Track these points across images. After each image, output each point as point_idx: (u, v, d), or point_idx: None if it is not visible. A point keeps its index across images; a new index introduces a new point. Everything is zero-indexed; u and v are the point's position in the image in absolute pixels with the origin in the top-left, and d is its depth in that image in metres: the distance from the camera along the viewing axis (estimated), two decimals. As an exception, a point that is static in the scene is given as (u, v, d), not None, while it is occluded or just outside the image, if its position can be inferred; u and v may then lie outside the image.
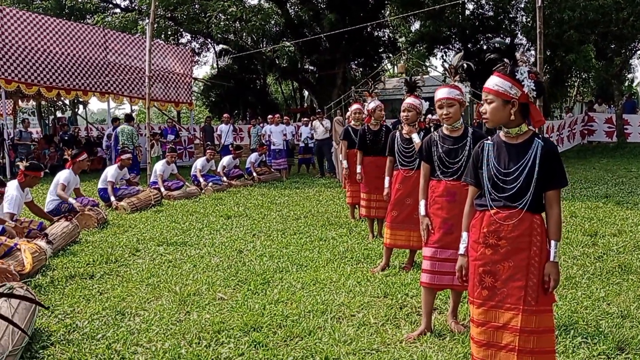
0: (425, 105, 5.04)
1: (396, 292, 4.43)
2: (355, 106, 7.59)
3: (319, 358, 3.20)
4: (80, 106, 28.88)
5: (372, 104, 6.35)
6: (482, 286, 2.58)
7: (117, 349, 3.33)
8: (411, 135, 4.99)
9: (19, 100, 19.94)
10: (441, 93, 3.59)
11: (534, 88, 2.49)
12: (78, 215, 6.87)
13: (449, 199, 3.64)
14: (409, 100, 4.97)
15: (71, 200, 7.25)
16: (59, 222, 6.27)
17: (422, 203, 3.73)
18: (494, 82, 2.53)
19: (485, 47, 21.84)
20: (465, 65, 3.78)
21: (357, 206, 7.83)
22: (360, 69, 27.71)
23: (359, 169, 6.39)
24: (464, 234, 2.74)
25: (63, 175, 7.38)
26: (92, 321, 3.80)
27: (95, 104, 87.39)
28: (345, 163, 7.46)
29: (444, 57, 24.55)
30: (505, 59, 2.53)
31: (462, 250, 2.74)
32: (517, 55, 2.54)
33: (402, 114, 5.08)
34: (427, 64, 29.75)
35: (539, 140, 2.52)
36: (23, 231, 5.60)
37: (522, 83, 2.48)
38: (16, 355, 3.09)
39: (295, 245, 6.09)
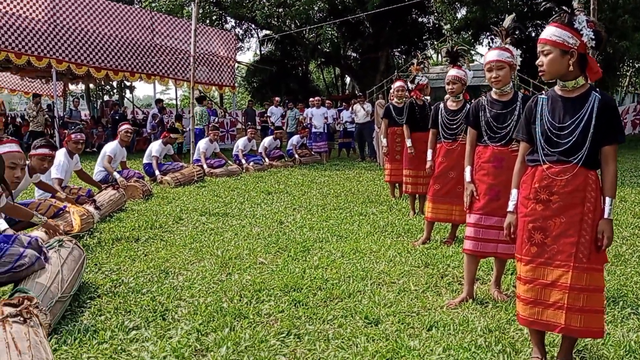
0: (470, 75, 4.93)
1: (437, 262, 4.37)
2: (398, 83, 7.49)
3: (358, 318, 3.19)
4: (127, 90, 29.63)
5: (424, 78, 6.26)
6: (531, 243, 2.51)
7: (161, 302, 3.40)
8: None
9: (69, 83, 20.59)
10: (491, 55, 3.49)
11: (593, 37, 2.39)
12: (124, 185, 7.03)
13: (496, 164, 3.55)
14: (453, 71, 4.86)
15: (116, 174, 7.38)
16: (106, 190, 6.45)
17: (467, 169, 3.65)
18: (550, 32, 2.43)
19: (533, 34, 21.22)
20: (516, 27, 3.66)
21: (396, 185, 7.77)
22: (404, 56, 27.40)
23: (409, 142, 6.30)
24: (514, 191, 2.66)
25: (110, 148, 7.56)
26: (137, 278, 3.89)
27: (141, 90, 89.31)
28: (385, 141, 7.40)
29: (490, 45, 23.99)
30: (562, 7, 2.44)
31: (511, 207, 2.67)
32: (574, 4, 2.44)
33: (446, 86, 4.99)
34: (473, 51, 29.13)
35: (596, 94, 2.42)
36: (72, 197, 5.76)
37: (581, 32, 2.39)
38: (65, 302, 3.19)
39: (336, 219, 6.08)
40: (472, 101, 4.01)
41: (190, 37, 15.12)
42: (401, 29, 23.29)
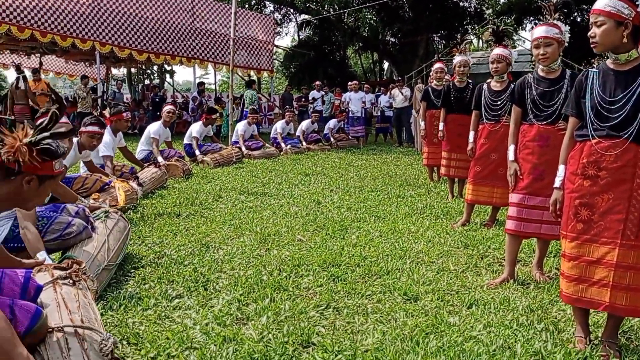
0: (515, 54, 4.82)
1: (477, 243, 4.32)
2: (437, 65, 7.39)
3: (397, 294, 3.19)
4: (167, 75, 30.07)
5: (459, 57, 6.15)
6: (577, 219, 2.45)
7: (202, 273, 3.47)
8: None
9: (112, 67, 21.02)
10: (538, 32, 3.39)
11: (650, 7, 2.30)
12: (165, 164, 7.16)
13: (541, 143, 3.47)
14: (498, 50, 4.77)
15: (160, 158, 7.44)
16: (149, 168, 6.59)
17: (511, 148, 3.58)
18: (604, 2, 2.35)
19: (578, 19, 20.53)
20: (565, 3, 3.56)
21: (435, 168, 7.69)
22: (443, 41, 26.93)
23: (441, 126, 6.23)
24: (561, 167, 2.60)
25: (154, 129, 7.71)
26: (179, 250, 3.98)
27: (180, 75, 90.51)
28: (423, 124, 7.32)
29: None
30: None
31: (557, 183, 2.61)
32: (630, -28, 2.34)
33: (491, 65, 4.89)
34: (515, 37, 28.41)
35: None
36: (116, 173, 5.91)
37: (637, 3, 2.30)
38: (110, 270, 3.29)
39: (373, 200, 6.07)
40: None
41: (229, 20, 15.22)
42: (441, 14, 22.85)
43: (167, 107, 7.85)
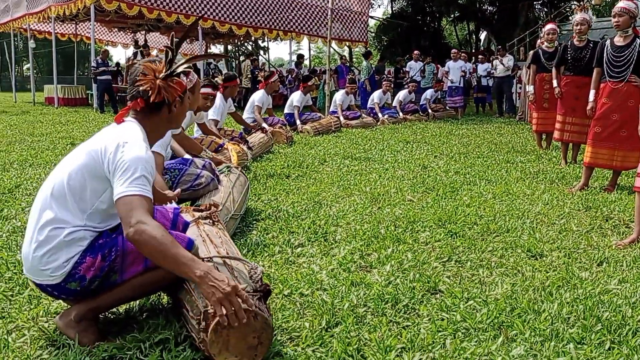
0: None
1: (599, 206, 4.11)
2: (549, 26, 7.02)
3: (520, 250, 3.11)
4: (261, 52, 30.76)
5: (578, 15, 5.79)
6: None
7: (320, 225, 3.56)
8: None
9: (210, 43, 21.78)
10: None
11: None
12: (271, 129, 7.37)
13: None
14: (622, 3, 4.44)
15: (264, 125, 7.69)
16: (256, 133, 6.81)
17: None
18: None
19: None
20: None
21: (544, 135, 7.36)
22: (545, 9, 25.45)
23: (555, 83, 5.94)
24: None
25: (257, 97, 7.92)
26: (294, 207, 4.09)
27: (272, 52, 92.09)
28: (531, 88, 7.01)
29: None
30: None
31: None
32: None
33: (612, 20, 4.58)
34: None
35: None
36: (227, 137, 6.16)
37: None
38: (236, 220, 3.45)
39: (481, 165, 5.92)
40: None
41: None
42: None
43: (273, 78, 8.03)
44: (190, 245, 2.00)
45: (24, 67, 46.20)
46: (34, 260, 1.90)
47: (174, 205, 2.50)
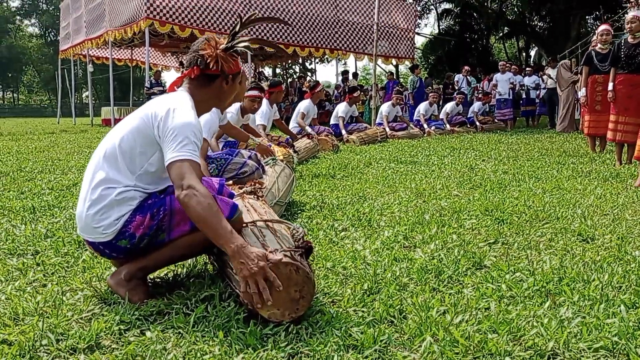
0: None
1: (658, 198, 3.94)
2: (603, 27, 6.84)
3: (570, 235, 3.01)
4: (309, 73, 31.29)
5: (630, 13, 5.65)
6: None
7: (364, 213, 3.57)
8: None
9: (259, 65, 22.31)
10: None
11: None
12: (316, 136, 7.46)
13: None
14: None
15: (308, 129, 7.85)
16: (302, 139, 6.90)
17: None
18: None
19: None
20: None
21: (597, 140, 7.14)
22: (598, 23, 24.81)
23: (610, 86, 5.77)
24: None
25: (303, 105, 8.06)
26: (339, 200, 4.12)
27: (319, 75, 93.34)
28: (584, 90, 6.85)
29: None
30: None
31: None
32: None
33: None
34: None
35: None
36: (273, 143, 6.27)
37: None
38: (281, 206, 3.51)
39: (530, 166, 5.79)
40: None
41: (370, 10, 15.45)
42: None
43: (320, 87, 8.16)
44: (234, 209, 2.05)
45: (83, 95, 48.51)
46: (87, 219, 2.00)
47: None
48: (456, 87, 14.51)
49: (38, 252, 2.69)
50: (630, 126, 5.70)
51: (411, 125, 10.85)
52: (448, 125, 11.53)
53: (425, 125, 11.09)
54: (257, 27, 14.68)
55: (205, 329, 1.77)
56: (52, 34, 46.02)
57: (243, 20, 2.19)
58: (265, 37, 14.82)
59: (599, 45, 6.80)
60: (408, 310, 1.95)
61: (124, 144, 2.01)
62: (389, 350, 1.68)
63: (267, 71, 28.55)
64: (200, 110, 2.19)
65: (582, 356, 1.62)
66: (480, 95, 13.38)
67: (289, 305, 1.81)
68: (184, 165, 1.87)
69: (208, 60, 2.10)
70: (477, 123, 12.26)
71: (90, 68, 18.82)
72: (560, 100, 11.57)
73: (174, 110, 1.99)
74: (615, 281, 2.16)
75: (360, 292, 2.11)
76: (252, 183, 2.76)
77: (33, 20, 48.36)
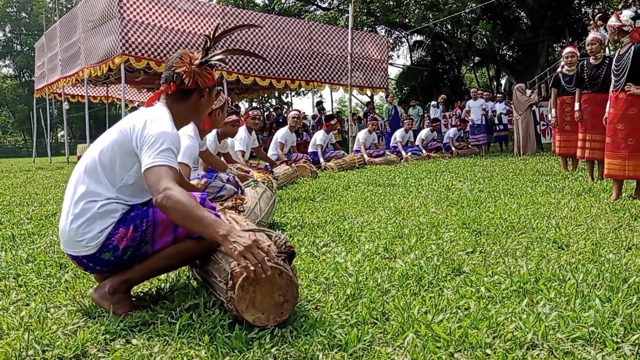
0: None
1: (629, 208, 4.07)
2: (568, 49, 7.12)
3: (545, 243, 3.09)
4: (285, 107, 31.60)
5: (590, 35, 5.89)
6: None
7: (344, 229, 3.61)
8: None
9: (235, 100, 22.47)
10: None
11: None
12: (295, 166, 7.53)
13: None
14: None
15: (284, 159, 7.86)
16: (281, 165, 6.96)
17: None
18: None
19: None
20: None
21: (569, 159, 7.35)
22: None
23: (577, 106, 5.98)
24: None
25: (280, 134, 8.15)
26: (319, 219, 4.16)
27: (296, 106, 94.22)
28: (553, 112, 7.08)
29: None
30: None
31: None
32: None
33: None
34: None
35: None
36: (253, 168, 6.31)
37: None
38: (264, 224, 3.53)
39: (505, 185, 5.91)
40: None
41: (344, 42, 15.78)
42: (563, 21, 21.85)
43: (292, 113, 8.27)
44: (217, 216, 2.08)
45: (59, 134, 48.04)
46: (71, 232, 2.00)
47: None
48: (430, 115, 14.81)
49: (19, 275, 2.67)
50: (598, 143, 5.86)
51: (387, 152, 11.00)
52: (424, 151, 11.72)
53: (402, 152, 11.25)
54: (235, 66, 14.87)
55: (191, 335, 1.78)
56: (27, 74, 45.84)
57: (214, 34, 2.24)
58: (242, 70, 15.02)
59: (565, 67, 7.05)
60: (390, 312, 1.99)
61: (103, 157, 2.04)
62: (373, 348, 1.71)
63: (244, 105, 28.74)
64: (178, 123, 2.23)
65: (561, 346, 1.66)
66: (454, 122, 13.66)
67: (274, 309, 1.83)
68: (161, 170, 1.89)
69: (184, 77, 2.15)
70: (453, 148, 12.49)
71: (65, 105, 18.76)
72: (517, 125, 11.59)
73: (151, 121, 2.03)
74: (590, 279, 2.23)
75: (343, 298, 2.14)
76: (233, 199, 2.79)
77: (7, 62, 48.16)
